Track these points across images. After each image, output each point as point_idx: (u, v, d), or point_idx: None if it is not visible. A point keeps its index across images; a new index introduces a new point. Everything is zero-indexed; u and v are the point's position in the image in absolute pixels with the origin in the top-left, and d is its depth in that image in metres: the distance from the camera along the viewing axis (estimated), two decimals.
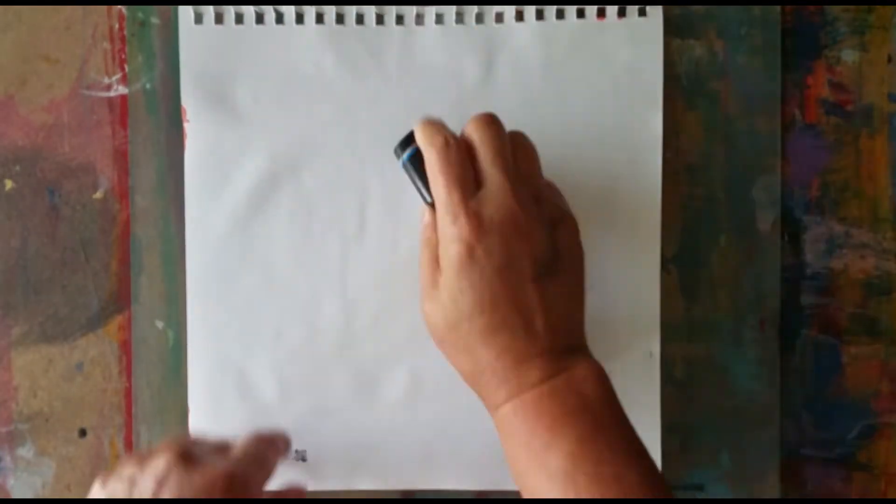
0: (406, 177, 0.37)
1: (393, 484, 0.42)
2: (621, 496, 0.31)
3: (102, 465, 0.42)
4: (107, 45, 0.42)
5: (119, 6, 0.42)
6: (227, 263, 0.41)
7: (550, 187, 0.38)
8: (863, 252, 0.42)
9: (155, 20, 0.42)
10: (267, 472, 0.37)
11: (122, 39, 0.42)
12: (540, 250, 0.34)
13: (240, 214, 0.41)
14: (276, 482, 0.39)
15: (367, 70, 0.41)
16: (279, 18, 0.41)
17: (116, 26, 0.42)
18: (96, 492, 0.34)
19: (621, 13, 0.41)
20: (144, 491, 0.33)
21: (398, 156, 0.37)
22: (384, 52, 0.41)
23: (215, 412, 0.41)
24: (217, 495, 0.33)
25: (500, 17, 0.41)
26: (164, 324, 0.42)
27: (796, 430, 0.42)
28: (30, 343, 0.43)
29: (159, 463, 0.34)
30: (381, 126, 0.41)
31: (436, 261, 0.35)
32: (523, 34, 0.41)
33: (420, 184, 0.36)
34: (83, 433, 0.43)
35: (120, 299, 0.42)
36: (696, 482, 0.42)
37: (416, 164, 0.36)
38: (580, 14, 0.41)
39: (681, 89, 0.42)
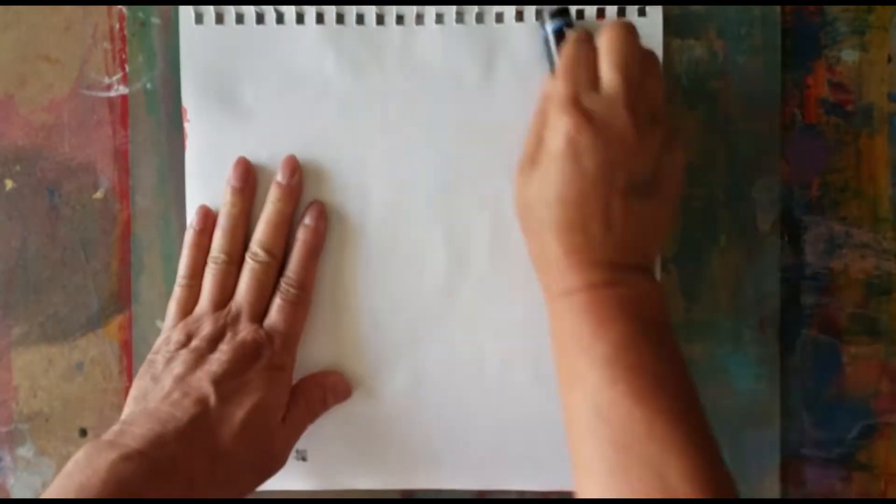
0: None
1: (393, 484, 0.42)
2: (657, 391, 0.32)
3: None
4: (107, 44, 0.42)
5: (119, 6, 0.42)
6: None
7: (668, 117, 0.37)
8: (863, 252, 0.42)
9: (155, 20, 0.42)
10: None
11: (123, 39, 0.42)
12: (639, 167, 0.34)
13: None
14: (275, 483, 0.39)
15: (367, 70, 0.41)
16: (280, 18, 0.41)
17: (117, 26, 0.42)
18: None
19: (621, 13, 0.41)
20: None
21: (541, 24, 0.38)
22: (384, 52, 0.41)
23: None
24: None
25: (500, 17, 0.41)
26: None
27: (796, 430, 0.42)
28: (30, 343, 0.43)
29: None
30: (381, 126, 0.41)
31: (541, 138, 0.36)
32: (523, 34, 0.41)
33: (552, 57, 0.37)
34: (83, 433, 0.43)
35: (120, 299, 0.42)
36: None
37: (556, 39, 0.38)
38: (580, 14, 0.41)
39: (680, 89, 0.42)
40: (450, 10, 0.41)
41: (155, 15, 0.42)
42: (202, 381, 0.36)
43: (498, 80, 0.41)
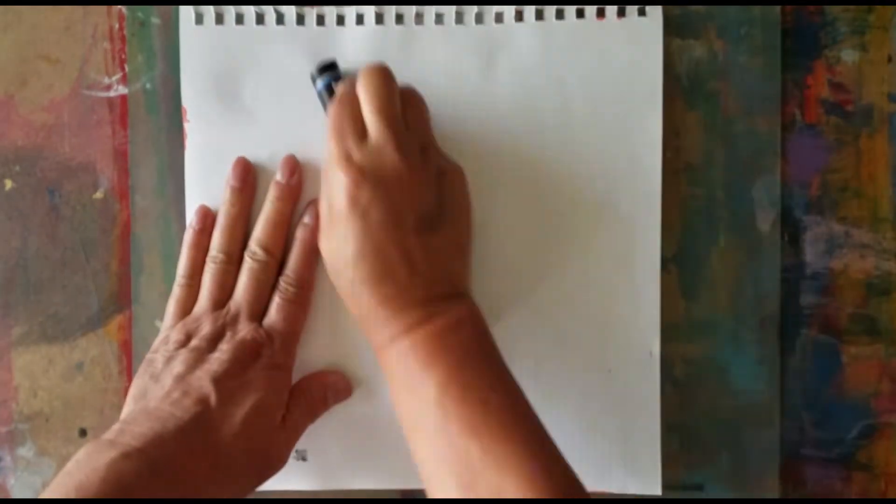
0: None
1: (393, 484, 0.42)
2: (486, 417, 0.32)
3: None
4: (107, 44, 0.42)
5: (119, 6, 0.42)
6: None
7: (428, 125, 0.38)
8: (862, 252, 0.42)
9: (155, 20, 0.42)
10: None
11: (123, 39, 0.42)
12: (424, 203, 0.35)
13: None
14: (275, 483, 0.39)
15: None
16: (279, 19, 0.41)
17: (116, 26, 0.42)
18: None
19: (621, 13, 0.41)
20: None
21: (313, 81, 0.39)
22: (384, 52, 0.41)
23: None
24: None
25: (499, 18, 0.41)
26: None
27: (796, 430, 0.42)
28: (30, 343, 0.43)
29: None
30: None
31: (330, 200, 0.36)
32: (523, 34, 0.41)
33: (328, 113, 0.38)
34: (83, 433, 0.43)
35: (120, 299, 0.42)
36: (696, 482, 0.42)
37: (328, 94, 0.39)
38: (580, 14, 0.41)
39: (680, 89, 0.42)
40: (449, 11, 0.41)
41: (155, 15, 0.42)
42: (202, 380, 0.36)
43: (497, 80, 0.41)
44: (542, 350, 0.41)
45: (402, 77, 0.41)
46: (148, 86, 0.42)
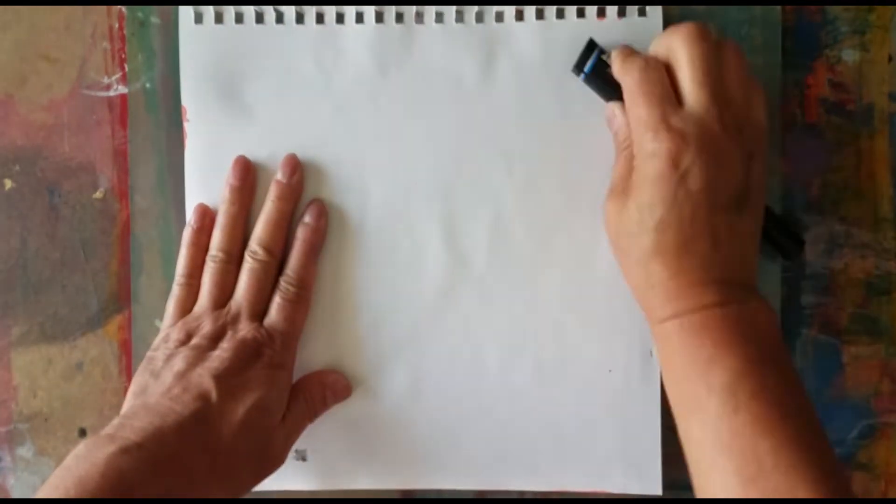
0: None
1: (393, 484, 0.42)
2: (782, 421, 0.31)
3: None
4: (106, 44, 0.42)
5: (119, 6, 0.42)
6: None
7: (756, 100, 0.36)
8: (863, 252, 0.42)
9: (155, 20, 0.42)
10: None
11: (122, 39, 0.42)
12: (736, 181, 0.34)
13: None
14: (275, 483, 0.39)
15: (367, 69, 0.41)
16: (279, 18, 0.41)
17: (116, 26, 0.42)
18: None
19: (621, 13, 0.41)
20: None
21: (577, 72, 0.39)
22: (384, 51, 0.41)
23: None
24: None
25: (500, 17, 0.41)
26: None
27: None
28: (30, 343, 0.43)
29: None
30: (381, 126, 0.41)
31: (629, 169, 0.35)
32: (523, 34, 0.41)
33: (604, 95, 0.38)
34: (83, 433, 0.43)
35: (120, 299, 0.42)
36: None
37: (599, 75, 0.38)
38: (580, 14, 0.41)
39: None
40: (449, 10, 0.41)
41: (154, 14, 0.42)
42: (203, 376, 0.36)
43: (498, 79, 0.41)
44: (543, 349, 0.41)
45: (402, 76, 0.41)
46: (148, 85, 0.42)
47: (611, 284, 0.41)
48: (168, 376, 0.36)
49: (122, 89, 0.42)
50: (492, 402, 0.41)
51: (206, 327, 0.38)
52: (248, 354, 0.37)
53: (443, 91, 0.41)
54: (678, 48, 0.35)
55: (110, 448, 0.32)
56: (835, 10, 0.42)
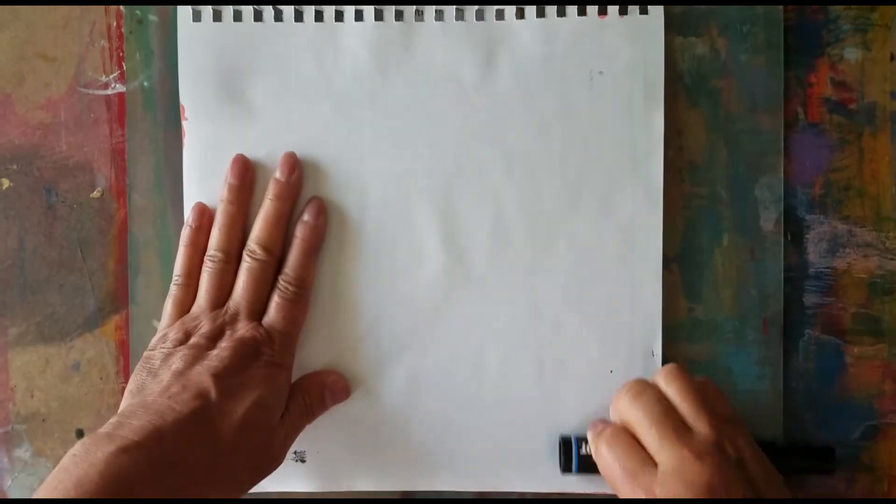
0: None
1: (392, 485, 0.41)
2: None
3: None
4: (104, 42, 0.42)
5: (117, 4, 0.42)
6: None
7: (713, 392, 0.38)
8: (866, 251, 0.42)
9: (153, 18, 0.42)
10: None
11: (120, 37, 0.42)
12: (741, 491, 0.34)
13: None
14: (274, 484, 0.39)
15: (366, 68, 0.41)
16: (278, 16, 0.41)
17: (114, 24, 0.42)
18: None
19: (623, 11, 0.40)
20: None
21: (565, 472, 0.40)
22: (383, 50, 0.41)
23: None
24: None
25: (500, 15, 0.41)
26: None
27: (799, 431, 0.42)
28: (27, 343, 0.42)
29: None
30: (381, 124, 0.41)
31: (647, 474, 0.35)
32: (524, 32, 0.41)
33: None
34: (80, 434, 0.42)
35: (117, 299, 0.42)
36: None
37: (589, 464, 0.38)
38: (581, 12, 0.40)
39: (683, 88, 0.41)
40: (450, 7, 0.41)
41: (152, 13, 0.41)
42: (202, 375, 0.35)
43: (498, 77, 0.41)
44: (544, 350, 0.41)
45: (402, 75, 0.41)
46: (146, 84, 0.42)
47: (612, 284, 0.41)
48: (166, 375, 0.36)
49: (120, 88, 0.42)
50: (492, 402, 0.41)
51: (205, 327, 0.38)
52: (247, 353, 0.37)
53: (443, 89, 0.41)
54: (667, 386, 0.36)
55: (109, 447, 0.31)
56: (837, 8, 0.42)
